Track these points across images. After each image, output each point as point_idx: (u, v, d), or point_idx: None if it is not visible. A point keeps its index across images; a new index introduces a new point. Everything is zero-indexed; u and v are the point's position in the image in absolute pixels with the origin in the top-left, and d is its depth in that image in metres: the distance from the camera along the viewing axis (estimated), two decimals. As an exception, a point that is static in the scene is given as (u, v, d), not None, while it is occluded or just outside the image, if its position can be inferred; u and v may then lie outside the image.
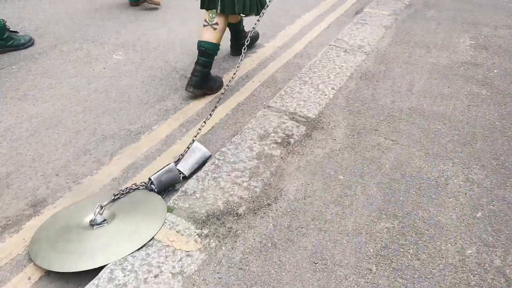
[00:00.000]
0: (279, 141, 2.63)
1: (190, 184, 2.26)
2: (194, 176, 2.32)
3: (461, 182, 2.30)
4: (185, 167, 2.47)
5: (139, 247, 1.89)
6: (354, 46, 3.93)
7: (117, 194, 2.18)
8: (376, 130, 2.73)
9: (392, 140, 2.63)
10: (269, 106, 2.97)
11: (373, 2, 5.05)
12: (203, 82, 3.11)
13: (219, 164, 2.42)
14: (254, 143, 2.60)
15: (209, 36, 3.04)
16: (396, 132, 2.71)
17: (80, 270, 1.82)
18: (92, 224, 2.02)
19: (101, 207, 2.06)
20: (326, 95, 3.13)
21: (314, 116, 2.87)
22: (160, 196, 2.21)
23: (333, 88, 3.22)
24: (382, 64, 3.59)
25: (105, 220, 2.04)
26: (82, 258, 1.87)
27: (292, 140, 2.64)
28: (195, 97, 3.21)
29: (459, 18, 4.59)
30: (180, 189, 2.24)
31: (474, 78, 3.35)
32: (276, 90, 3.38)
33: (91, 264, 1.84)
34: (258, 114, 2.88)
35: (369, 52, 3.81)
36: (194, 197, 2.19)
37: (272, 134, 2.69)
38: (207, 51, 3.04)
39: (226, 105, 3.16)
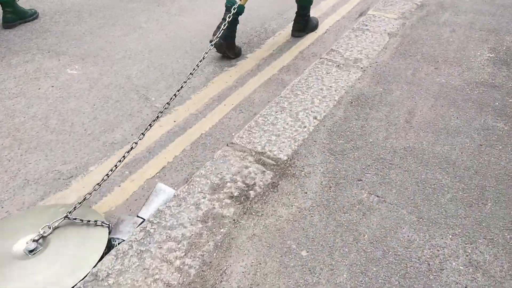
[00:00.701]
0: (235, 194, 2.10)
1: (105, 263, 1.76)
2: (113, 251, 1.81)
3: (461, 267, 1.74)
4: (146, 214, 1.98)
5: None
6: (350, 59, 3.34)
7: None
8: (359, 181, 2.17)
9: (378, 196, 2.08)
10: (232, 143, 2.44)
11: (380, 2, 4.43)
12: (229, 37, 3.33)
13: (151, 230, 1.91)
14: (204, 198, 2.08)
15: None
16: (385, 184, 2.15)
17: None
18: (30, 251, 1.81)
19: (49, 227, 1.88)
20: (305, 127, 2.58)
21: (286, 158, 2.33)
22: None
23: (315, 118, 2.66)
24: (379, 84, 3.01)
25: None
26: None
27: (252, 193, 2.11)
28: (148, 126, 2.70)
29: (478, 24, 3.94)
30: (91, 271, 1.73)
31: (490, 106, 2.75)
32: (251, 116, 2.84)
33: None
34: (217, 154, 2.35)
35: (366, 67, 3.22)
36: (106, 283, 1.68)
37: (229, 184, 2.16)
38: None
39: (185, 137, 2.65)
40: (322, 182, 2.16)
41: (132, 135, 2.63)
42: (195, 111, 2.89)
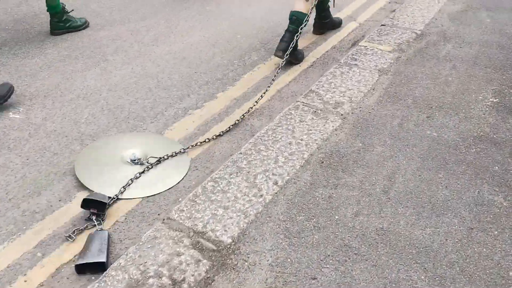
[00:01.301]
0: (157, 295, 1.69)
1: None
2: None
3: None
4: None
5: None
6: (330, 103, 2.92)
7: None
8: (313, 279, 1.74)
9: (332, 305, 1.64)
10: (169, 219, 2.03)
11: (375, 31, 3.99)
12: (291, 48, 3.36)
13: None
14: (116, 300, 1.67)
15: (300, 6, 3.43)
16: (344, 285, 1.71)
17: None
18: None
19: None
20: (262, 196, 2.16)
21: (229, 241, 1.91)
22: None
23: (276, 183, 2.24)
24: (359, 137, 2.57)
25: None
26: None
27: (177, 294, 1.69)
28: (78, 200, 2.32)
29: (483, 58, 3.47)
30: None
31: (488, 171, 2.29)
32: (205, 176, 2.44)
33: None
34: (145, 236, 1.95)
35: (347, 114, 2.79)
36: None
37: (151, 281, 1.75)
38: (297, 20, 3.38)
39: (123, 204, 2.24)
40: (267, 279, 1.74)
41: (60, 200, 2.24)
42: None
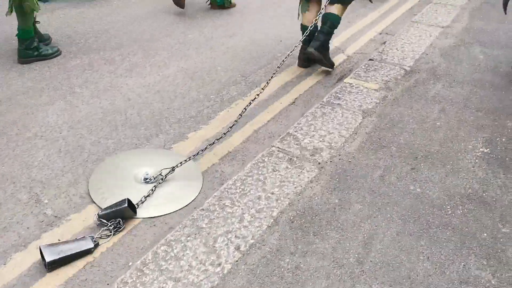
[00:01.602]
0: None
1: None
2: None
3: None
4: None
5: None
6: (308, 149, 2.69)
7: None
8: None
9: None
10: (110, 293, 1.77)
11: (362, 66, 3.78)
12: (323, 48, 3.56)
13: None
14: None
15: (334, 9, 3.51)
16: None
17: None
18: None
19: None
20: (219, 265, 1.91)
21: (176, 323, 1.65)
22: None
23: (238, 248, 2.00)
24: (336, 191, 2.33)
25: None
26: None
27: None
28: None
29: (475, 100, 3.26)
30: None
31: (475, 239, 2.05)
32: (163, 234, 2.18)
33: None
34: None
35: (325, 162, 2.56)
36: None
37: None
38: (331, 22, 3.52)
39: (64, 270, 1.99)
40: None
41: (-6, 263, 1.99)
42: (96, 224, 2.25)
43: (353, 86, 3.45)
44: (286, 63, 4.01)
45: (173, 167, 2.50)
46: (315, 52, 3.51)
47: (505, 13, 3.99)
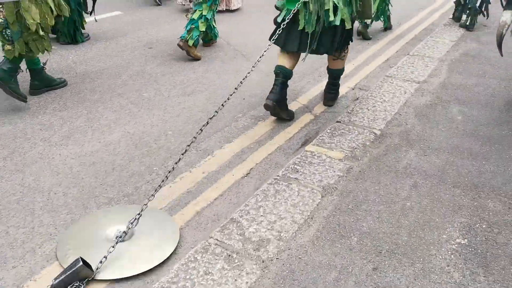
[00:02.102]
0: None
1: None
2: None
3: None
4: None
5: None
6: (252, 241, 2.25)
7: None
8: None
9: None
10: None
11: (328, 130, 3.40)
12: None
13: None
14: None
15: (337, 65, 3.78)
16: None
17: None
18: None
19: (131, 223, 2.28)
20: None
21: None
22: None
23: None
24: (277, 305, 1.87)
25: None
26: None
27: None
28: None
29: (452, 173, 2.86)
30: None
31: None
32: None
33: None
34: None
35: (271, 260, 2.12)
36: None
37: None
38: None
39: None
40: None
41: None
42: None
43: (314, 155, 3.06)
44: (245, 123, 3.64)
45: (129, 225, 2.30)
46: (332, 104, 3.93)
47: (501, 55, 3.72)
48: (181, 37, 4.82)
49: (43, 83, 3.97)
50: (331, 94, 4.00)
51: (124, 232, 2.28)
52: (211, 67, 4.84)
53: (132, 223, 2.28)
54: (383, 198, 2.60)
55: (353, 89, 4.46)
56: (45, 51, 3.70)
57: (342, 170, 2.88)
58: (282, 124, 3.66)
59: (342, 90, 4.39)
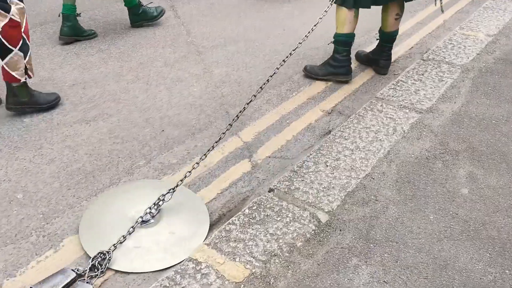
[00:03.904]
0: None
1: None
2: None
3: None
4: None
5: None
6: None
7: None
8: None
9: None
10: None
11: (236, 219, 2.17)
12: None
13: None
14: None
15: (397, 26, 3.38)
16: None
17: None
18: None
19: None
20: None
21: None
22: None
23: None
24: None
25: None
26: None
27: None
28: None
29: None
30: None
31: None
32: None
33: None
34: None
35: None
36: None
37: None
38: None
39: None
40: None
41: None
42: None
43: (196, 276, 1.85)
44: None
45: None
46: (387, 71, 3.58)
47: None
48: None
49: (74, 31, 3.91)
50: (388, 61, 3.55)
51: (150, 213, 2.13)
52: (123, 84, 3.64)
53: (158, 204, 2.15)
54: None
55: (329, 113, 3.15)
56: None
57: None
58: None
59: (311, 116, 3.11)
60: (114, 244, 2.00)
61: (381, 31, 3.44)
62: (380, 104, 3.03)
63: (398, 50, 4.10)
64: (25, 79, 2.81)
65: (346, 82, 3.45)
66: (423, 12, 4.98)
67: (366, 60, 3.68)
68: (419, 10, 4.98)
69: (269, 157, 2.74)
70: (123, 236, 2.03)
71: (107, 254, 1.95)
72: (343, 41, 3.25)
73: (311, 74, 3.49)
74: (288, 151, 2.80)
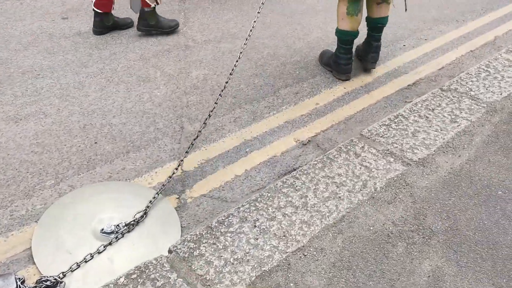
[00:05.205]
0: None
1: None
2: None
3: None
4: None
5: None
6: None
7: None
8: None
9: None
10: None
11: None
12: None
13: None
14: None
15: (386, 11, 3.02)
16: None
17: None
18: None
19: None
20: None
21: None
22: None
23: None
24: None
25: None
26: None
27: None
28: None
29: None
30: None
31: None
32: None
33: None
34: None
35: None
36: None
37: None
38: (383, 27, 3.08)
39: None
40: None
41: None
42: None
43: None
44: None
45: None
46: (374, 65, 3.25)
47: None
48: None
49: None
50: (375, 54, 3.18)
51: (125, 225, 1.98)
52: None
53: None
54: None
55: (304, 144, 2.60)
56: None
57: None
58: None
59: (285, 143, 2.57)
60: (63, 272, 1.80)
61: (367, 18, 3.11)
62: (362, 145, 2.41)
63: (423, 69, 3.40)
64: (155, 5, 3.33)
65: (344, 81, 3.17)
66: (474, 23, 4.17)
67: (357, 54, 3.36)
68: (469, 19, 4.17)
69: (204, 196, 2.25)
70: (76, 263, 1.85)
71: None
72: (338, 37, 3.07)
73: (320, 57, 3.36)
74: (231, 190, 2.29)
